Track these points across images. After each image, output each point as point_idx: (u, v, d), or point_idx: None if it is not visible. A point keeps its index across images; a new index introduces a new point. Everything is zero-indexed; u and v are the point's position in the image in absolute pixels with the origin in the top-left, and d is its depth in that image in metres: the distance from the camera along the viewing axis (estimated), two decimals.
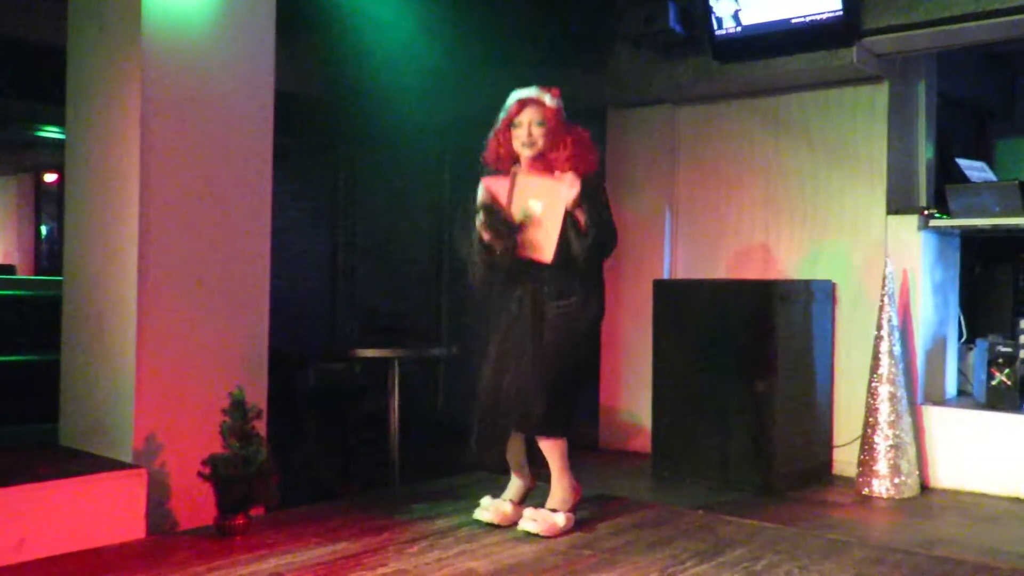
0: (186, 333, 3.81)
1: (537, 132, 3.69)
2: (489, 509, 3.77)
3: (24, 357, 5.80)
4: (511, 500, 3.82)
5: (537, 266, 3.68)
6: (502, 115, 3.78)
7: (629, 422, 5.96)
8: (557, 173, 3.66)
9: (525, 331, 3.71)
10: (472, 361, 6.01)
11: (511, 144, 3.76)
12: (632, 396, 5.95)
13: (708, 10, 5.30)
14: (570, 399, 3.74)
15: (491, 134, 3.83)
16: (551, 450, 3.70)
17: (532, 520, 3.63)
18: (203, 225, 3.88)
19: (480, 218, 3.64)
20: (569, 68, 6.05)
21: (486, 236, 3.65)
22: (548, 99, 3.74)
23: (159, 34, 3.74)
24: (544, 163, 3.72)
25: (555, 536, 3.59)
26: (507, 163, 3.80)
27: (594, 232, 3.60)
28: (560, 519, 3.65)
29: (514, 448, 3.85)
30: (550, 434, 3.68)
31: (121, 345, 3.75)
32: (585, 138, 3.75)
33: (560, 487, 3.73)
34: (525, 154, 3.72)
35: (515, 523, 3.74)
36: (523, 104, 3.73)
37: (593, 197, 3.67)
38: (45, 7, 5.40)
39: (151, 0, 3.71)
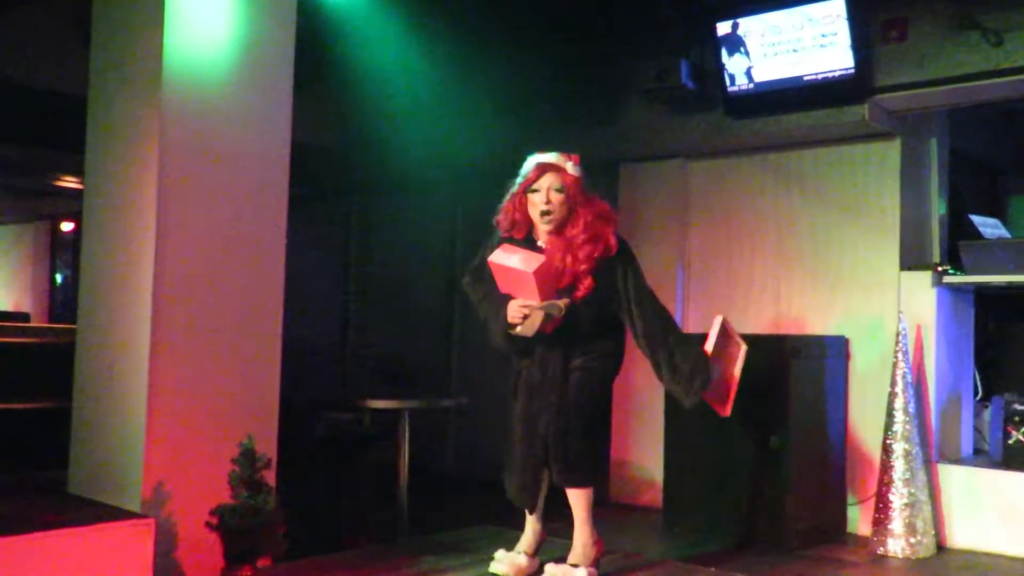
0: (197, 382, 3.81)
1: (556, 199, 3.57)
2: (504, 562, 3.74)
3: (37, 404, 5.81)
4: (525, 552, 3.79)
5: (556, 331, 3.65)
6: (519, 179, 3.67)
7: (640, 476, 5.90)
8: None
9: (550, 384, 3.68)
10: (482, 412, 6.00)
11: (527, 210, 3.66)
12: (643, 450, 5.90)
13: (720, 67, 5.36)
14: (596, 446, 3.73)
15: (506, 197, 3.72)
16: (577, 500, 3.68)
17: None
18: (217, 274, 3.90)
19: (534, 321, 3.51)
20: (582, 122, 6.11)
21: (524, 331, 3.56)
22: (569, 167, 3.63)
23: (179, 86, 3.80)
24: (560, 237, 3.61)
25: None
26: (523, 229, 3.70)
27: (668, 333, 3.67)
28: (581, 574, 3.62)
29: (538, 499, 3.84)
30: (579, 482, 3.65)
31: (132, 394, 3.74)
32: (604, 212, 3.64)
33: (581, 541, 3.70)
34: (542, 222, 3.61)
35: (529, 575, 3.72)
36: (543, 169, 3.62)
37: (637, 282, 3.67)
38: (67, 58, 5.50)
39: (172, 52, 3.77)
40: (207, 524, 3.45)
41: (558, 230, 3.62)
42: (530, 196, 3.64)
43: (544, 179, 3.61)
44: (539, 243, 3.67)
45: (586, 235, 3.56)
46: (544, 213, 3.59)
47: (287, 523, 3.59)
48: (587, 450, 3.64)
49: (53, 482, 4.20)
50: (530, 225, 3.70)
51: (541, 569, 3.71)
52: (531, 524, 3.85)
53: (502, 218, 3.74)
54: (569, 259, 3.56)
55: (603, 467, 3.82)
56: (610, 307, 3.68)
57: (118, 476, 3.77)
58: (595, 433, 3.70)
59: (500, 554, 3.78)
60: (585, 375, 3.65)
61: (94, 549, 3.40)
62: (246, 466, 3.48)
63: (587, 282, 3.57)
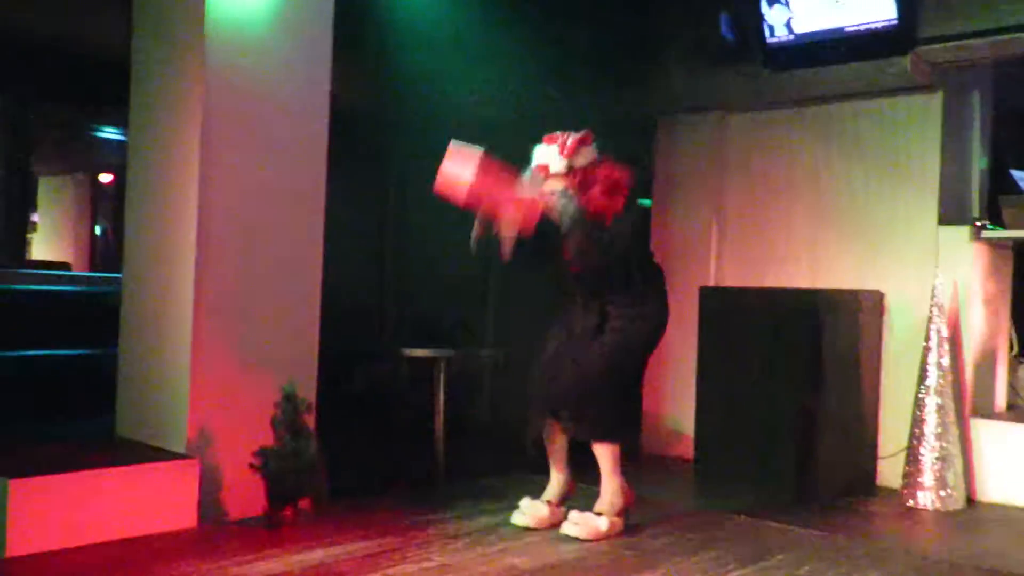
0: (240, 330, 3.90)
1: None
2: (526, 513, 3.79)
3: (79, 351, 5.96)
4: (549, 501, 3.85)
5: (587, 281, 3.71)
6: (527, 175, 3.79)
7: (672, 428, 5.96)
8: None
9: (579, 340, 3.75)
10: (517, 365, 6.06)
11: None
12: (676, 402, 5.95)
13: (760, 18, 5.30)
14: (624, 403, 3.77)
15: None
16: (600, 451, 3.73)
17: (574, 524, 3.66)
18: (259, 226, 3.97)
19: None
20: (619, 76, 6.07)
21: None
22: (556, 165, 3.71)
23: (221, 40, 3.84)
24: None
25: (596, 540, 3.61)
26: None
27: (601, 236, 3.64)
28: (603, 523, 3.66)
29: (557, 447, 3.89)
30: (602, 438, 3.71)
31: (177, 340, 3.84)
32: (612, 182, 3.69)
33: (608, 490, 3.75)
34: (552, 214, 3.73)
35: (552, 526, 3.76)
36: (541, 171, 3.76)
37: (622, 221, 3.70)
38: (109, 13, 5.54)
39: (214, 7, 3.81)
40: (250, 466, 3.56)
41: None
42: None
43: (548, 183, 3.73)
44: None
45: (591, 208, 3.64)
46: (550, 209, 3.71)
47: (328, 467, 3.69)
48: (603, 407, 3.69)
49: (99, 427, 4.33)
50: None
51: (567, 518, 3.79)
52: (556, 474, 3.91)
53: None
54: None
55: (628, 426, 3.85)
56: (627, 265, 3.74)
57: (164, 420, 3.88)
58: (615, 393, 3.72)
59: (524, 503, 3.84)
60: (615, 337, 3.69)
61: (142, 488, 3.53)
62: (288, 410, 3.59)
63: None
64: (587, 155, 3.73)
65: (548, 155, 3.73)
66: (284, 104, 4.06)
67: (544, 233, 3.63)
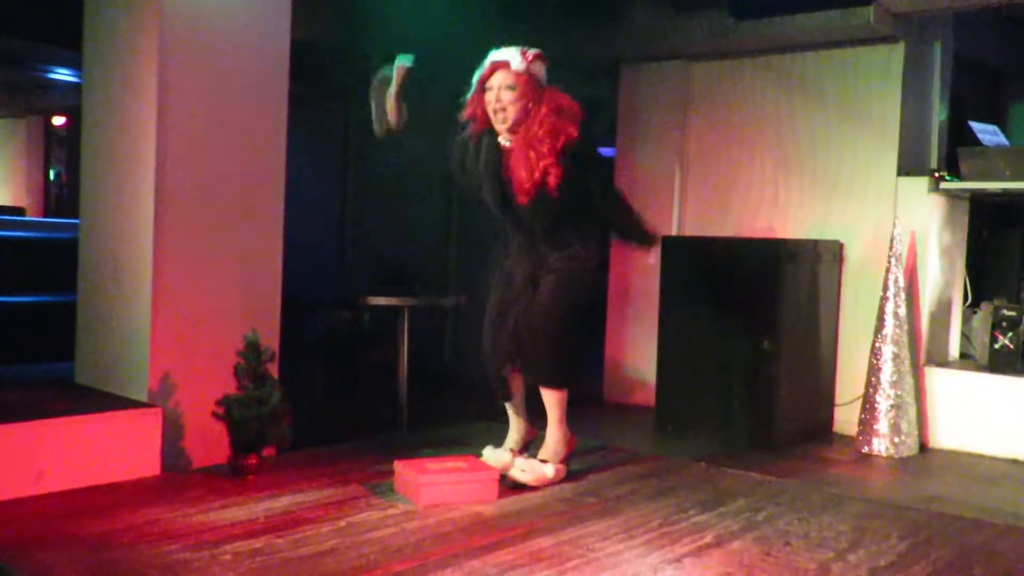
0: (201, 275, 3.86)
1: (507, 97, 3.57)
2: (490, 460, 3.83)
3: (34, 298, 5.87)
4: (511, 450, 3.89)
5: (531, 222, 3.71)
6: (476, 75, 3.68)
7: (633, 376, 6.02)
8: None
9: (523, 284, 3.78)
10: (479, 312, 6.08)
11: (485, 107, 3.67)
12: (637, 350, 6.01)
13: None
14: (572, 350, 3.79)
15: (469, 91, 3.73)
16: (551, 399, 3.77)
17: (521, 470, 3.71)
18: (219, 169, 3.91)
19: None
20: (584, 21, 6.02)
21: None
22: (517, 62, 3.58)
23: None
24: (522, 135, 3.59)
25: (543, 486, 3.66)
26: (482, 123, 3.71)
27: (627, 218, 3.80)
28: (549, 470, 3.72)
29: (516, 396, 3.93)
30: (551, 384, 3.74)
31: (137, 286, 3.80)
32: (564, 106, 3.58)
33: (554, 438, 3.80)
34: (496, 120, 3.62)
35: None
36: (495, 67, 3.62)
37: (591, 167, 3.67)
38: None
39: None
40: (214, 414, 3.55)
41: (516, 129, 3.61)
42: (485, 94, 3.65)
43: (495, 77, 3.61)
44: (500, 140, 3.68)
45: (544, 129, 3.53)
46: (496, 111, 3.60)
47: (292, 415, 3.69)
48: (556, 353, 3.70)
49: (59, 375, 4.28)
50: (488, 122, 3.70)
51: None
52: (515, 422, 3.96)
53: (465, 112, 3.76)
54: (533, 155, 3.54)
55: (576, 371, 3.87)
56: (582, 200, 3.68)
57: (125, 367, 3.85)
58: (565, 338, 3.71)
59: (487, 451, 3.88)
60: (559, 279, 3.70)
61: (104, 436, 3.51)
62: (251, 358, 3.57)
63: (556, 172, 3.54)
64: (541, 71, 3.66)
65: (508, 54, 3.62)
66: (243, 41, 3.98)
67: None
